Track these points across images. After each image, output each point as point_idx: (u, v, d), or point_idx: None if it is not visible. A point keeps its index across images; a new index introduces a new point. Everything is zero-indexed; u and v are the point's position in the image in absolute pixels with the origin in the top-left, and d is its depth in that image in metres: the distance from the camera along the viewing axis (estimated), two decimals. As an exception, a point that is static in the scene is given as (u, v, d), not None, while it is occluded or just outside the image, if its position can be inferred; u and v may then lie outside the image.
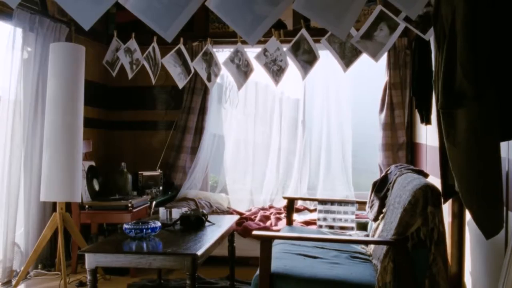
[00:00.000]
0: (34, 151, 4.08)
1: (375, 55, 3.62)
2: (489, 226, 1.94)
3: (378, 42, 3.58)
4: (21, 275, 3.74)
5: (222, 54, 4.90)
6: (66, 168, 3.71)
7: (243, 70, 4.38)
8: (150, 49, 4.51)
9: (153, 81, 4.60)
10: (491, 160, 1.89)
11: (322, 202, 4.01)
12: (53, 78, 3.78)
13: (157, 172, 4.95)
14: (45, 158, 3.74)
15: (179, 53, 4.48)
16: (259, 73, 4.52)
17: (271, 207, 5.04)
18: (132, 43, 4.53)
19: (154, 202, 4.56)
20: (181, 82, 4.57)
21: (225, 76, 5.27)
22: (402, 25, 3.50)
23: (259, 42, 3.15)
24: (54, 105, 3.75)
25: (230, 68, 4.40)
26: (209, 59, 4.53)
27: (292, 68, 4.25)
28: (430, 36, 3.31)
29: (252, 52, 4.39)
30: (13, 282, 3.75)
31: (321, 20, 2.38)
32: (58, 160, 3.70)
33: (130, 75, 4.60)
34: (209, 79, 4.57)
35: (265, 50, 4.21)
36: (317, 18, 2.40)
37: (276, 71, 4.22)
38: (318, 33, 4.26)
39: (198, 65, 4.52)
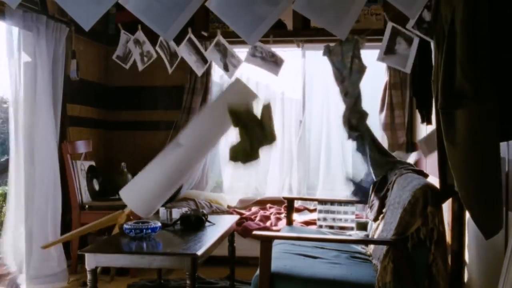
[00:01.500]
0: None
1: (404, 67, 3.65)
2: (488, 226, 1.94)
3: (401, 55, 3.63)
4: (56, 241, 3.66)
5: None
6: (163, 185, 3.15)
7: (270, 60, 4.35)
8: (161, 38, 4.39)
9: (170, 71, 4.52)
10: (490, 160, 1.89)
11: (322, 202, 4.01)
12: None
13: (157, 172, 4.93)
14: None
15: (191, 43, 4.42)
16: (260, 73, 4.50)
17: (271, 207, 5.04)
18: (140, 35, 4.44)
19: (154, 202, 4.55)
20: (199, 70, 4.52)
21: (225, 76, 5.26)
22: (416, 39, 3.50)
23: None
24: None
25: (256, 62, 4.36)
26: (223, 50, 4.47)
27: (293, 68, 4.25)
28: None
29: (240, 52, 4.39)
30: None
31: (321, 21, 2.38)
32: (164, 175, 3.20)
33: (140, 67, 4.51)
34: (226, 69, 4.51)
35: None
36: (317, 18, 2.40)
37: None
38: (318, 33, 4.26)
39: (212, 55, 4.47)
